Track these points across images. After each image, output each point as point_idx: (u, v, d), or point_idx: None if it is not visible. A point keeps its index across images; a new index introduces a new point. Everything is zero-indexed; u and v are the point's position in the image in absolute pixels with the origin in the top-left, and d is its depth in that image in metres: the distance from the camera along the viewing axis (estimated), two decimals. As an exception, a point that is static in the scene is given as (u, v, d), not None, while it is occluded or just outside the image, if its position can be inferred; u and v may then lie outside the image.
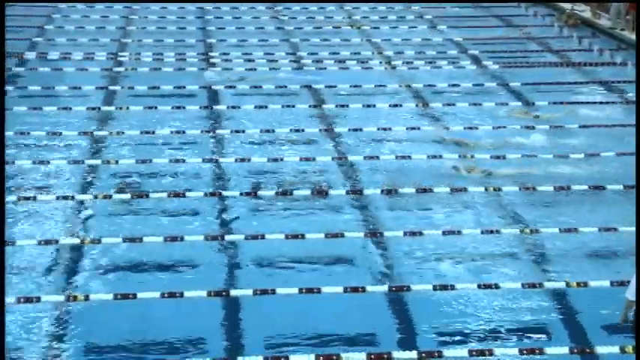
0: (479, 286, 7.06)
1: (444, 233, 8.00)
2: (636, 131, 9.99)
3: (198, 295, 6.83)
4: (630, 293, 5.96)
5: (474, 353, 6.20)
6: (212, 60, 13.71)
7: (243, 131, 10.58)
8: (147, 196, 8.62)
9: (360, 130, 10.68)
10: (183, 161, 9.57)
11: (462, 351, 6.24)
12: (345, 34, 15.60)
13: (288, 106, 11.58)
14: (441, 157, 9.88)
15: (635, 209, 8.11)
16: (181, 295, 6.78)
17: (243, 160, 9.64)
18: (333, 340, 6.41)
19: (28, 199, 8.48)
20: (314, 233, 7.92)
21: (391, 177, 9.33)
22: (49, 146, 10.00)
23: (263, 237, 7.83)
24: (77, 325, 6.51)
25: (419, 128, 10.83)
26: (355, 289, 6.96)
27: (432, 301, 6.92)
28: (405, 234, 7.97)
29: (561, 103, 11.77)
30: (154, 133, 10.43)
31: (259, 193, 8.78)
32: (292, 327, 6.56)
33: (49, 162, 9.43)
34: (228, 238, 7.88)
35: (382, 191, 8.91)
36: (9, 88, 11.87)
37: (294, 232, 7.93)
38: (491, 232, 8.06)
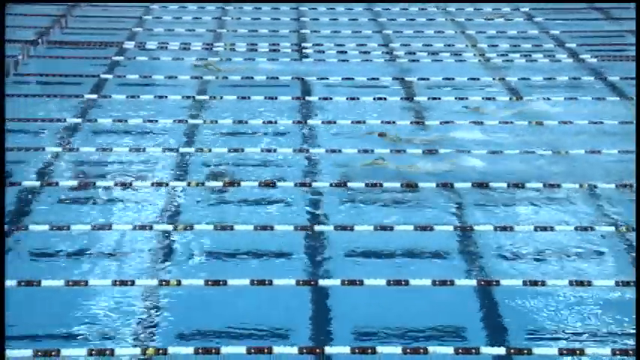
0: (570, 283, 6.94)
1: (535, 229, 7.89)
2: (636, 131, 9.78)
3: (287, 283, 6.90)
4: None
5: (565, 352, 6.09)
6: (305, 51, 13.79)
7: (335, 122, 10.61)
8: (238, 184, 8.74)
9: (452, 122, 10.60)
10: (275, 151, 9.66)
11: (552, 349, 6.15)
12: (438, 26, 15.48)
13: (380, 98, 11.57)
14: (533, 152, 9.73)
15: (636, 209, 7.94)
16: (270, 283, 6.86)
17: (334, 151, 9.67)
18: (420, 333, 6.40)
19: (124, 185, 8.69)
20: (403, 225, 7.92)
21: (483, 171, 9.23)
22: (145, 134, 10.22)
23: (352, 228, 7.86)
24: (169, 310, 6.65)
25: (512, 122, 10.68)
26: (443, 282, 6.93)
27: (520, 297, 6.84)
28: (495, 228, 7.89)
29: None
30: (246, 122, 10.55)
31: (349, 184, 8.80)
32: (380, 319, 6.56)
33: (144, 149, 9.64)
34: (317, 228, 7.93)
35: (473, 185, 8.83)
36: (108, 76, 12.17)
37: (383, 224, 7.94)
38: (586, 228, 7.91)
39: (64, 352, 5.95)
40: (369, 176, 8.96)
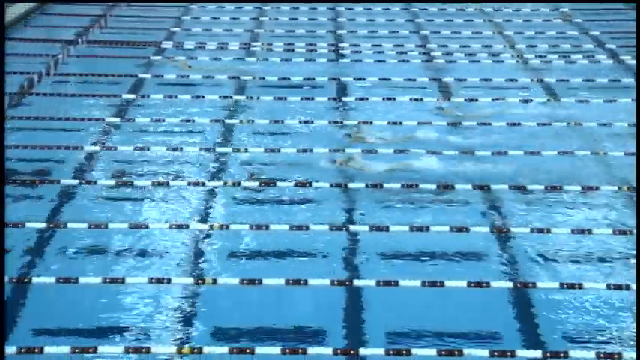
0: (608, 286, 6.88)
1: (572, 231, 7.83)
2: (636, 131, 9.69)
3: (322, 283, 6.91)
4: None
5: (602, 356, 6.04)
6: (342, 51, 13.79)
7: (371, 123, 10.61)
8: (274, 184, 8.77)
9: (489, 124, 10.54)
10: (311, 151, 9.68)
11: (589, 352, 6.09)
12: (476, 27, 15.40)
13: (416, 99, 11.54)
14: (572, 154, 9.65)
15: (636, 210, 7.86)
16: (305, 282, 6.88)
17: (370, 151, 9.67)
18: (455, 335, 6.37)
19: (161, 184, 8.75)
20: (439, 226, 7.89)
21: (520, 173, 9.17)
22: (182, 133, 10.29)
23: (387, 229, 7.85)
24: (204, 309, 6.69)
25: (550, 124, 10.61)
26: (479, 284, 6.90)
27: (557, 300, 6.79)
28: (532, 230, 7.84)
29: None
30: (282, 122, 10.58)
31: (385, 185, 8.79)
32: (414, 320, 6.55)
33: (181, 149, 9.71)
34: (352, 228, 7.94)
35: (510, 187, 8.77)
36: (146, 76, 12.27)
37: (419, 225, 7.92)
38: (624, 232, 7.83)
39: (101, 348, 6.01)
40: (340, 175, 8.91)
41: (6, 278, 6.83)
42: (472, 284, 6.90)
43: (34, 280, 6.89)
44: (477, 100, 11.50)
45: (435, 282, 6.90)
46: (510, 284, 7.01)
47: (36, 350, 5.93)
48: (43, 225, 7.80)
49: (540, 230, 7.85)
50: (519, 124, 10.55)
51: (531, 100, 11.53)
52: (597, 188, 8.70)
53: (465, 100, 11.54)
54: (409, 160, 9.45)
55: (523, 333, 6.45)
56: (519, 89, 12.02)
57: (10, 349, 5.97)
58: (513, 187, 8.77)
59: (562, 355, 6.04)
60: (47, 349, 5.95)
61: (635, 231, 7.77)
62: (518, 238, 7.80)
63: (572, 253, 7.54)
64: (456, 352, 6.03)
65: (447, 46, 14.10)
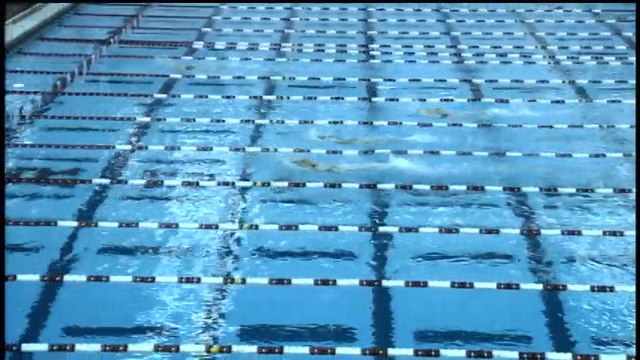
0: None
1: (603, 233, 7.76)
2: (637, 131, 9.61)
3: (351, 283, 6.91)
4: None
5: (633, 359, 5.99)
6: (372, 52, 13.77)
7: (401, 123, 10.58)
8: (303, 185, 8.77)
9: (520, 126, 10.48)
10: (340, 152, 9.67)
11: (620, 356, 6.04)
12: (507, 27, 15.32)
13: (446, 99, 11.50)
14: (604, 155, 9.57)
15: (635, 210, 7.83)
16: (334, 283, 6.88)
17: (399, 152, 9.62)
18: (485, 336, 6.35)
19: (191, 184, 8.80)
20: (468, 228, 7.87)
21: (551, 174, 9.12)
22: (212, 133, 10.33)
23: (417, 230, 7.83)
24: (233, 308, 6.72)
25: (582, 126, 10.53)
26: (509, 286, 6.86)
27: (588, 302, 6.74)
28: (563, 232, 7.79)
29: None
30: (312, 122, 10.58)
31: (415, 186, 8.76)
32: (443, 321, 6.53)
33: (211, 148, 9.74)
34: (382, 229, 7.93)
35: (541, 189, 8.72)
36: (177, 76, 12.33)
37: (448, 226, 7.89)
38: (655, 234, 7.76)
39: (131, 347, 6.06)
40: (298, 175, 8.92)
41: (37, 276, 6.91)
42: (502, 286, 6.86)
43: (66, 278, 6.95)
44: (507, 101, 11.44)
45: (464, 283, 6.87)
46: (540, 286, 6.96)
47: (67, 348, 5.99)
48: (75, 223, 7.87)
49: (571, 232, 7.79)
50: (551, 126, 10.48)
51: (563, 102, 11.46)
52: (629, 190, 8.62)
53: (496, 101, 11.49)
54: (438, 159, 9.43)
55: (553, 335, 6.41)
56: (551, 90, 11.95)
57: (42, 347, 6.03)
58: (544, 189, 8.72)
59: (592, 358, 5.99)
60: (78, 346, 6.00)
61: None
62: (549, 240, 7.75)
63: (604, 256, 7.48)
64: (485, 354, 6.01)
65: (477, 46, 14.04)
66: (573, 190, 8.67)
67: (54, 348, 6.00)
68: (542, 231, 7.87)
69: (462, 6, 16.55)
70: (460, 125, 10.52)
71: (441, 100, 11.44)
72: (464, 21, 15.77)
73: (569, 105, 11.35)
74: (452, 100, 11.47)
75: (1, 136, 9.22)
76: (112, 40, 13.98)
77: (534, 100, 11.43)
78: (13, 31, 13.87)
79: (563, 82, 12.31)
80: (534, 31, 15.14)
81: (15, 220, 7.81)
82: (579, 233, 7.77)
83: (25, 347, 6.02)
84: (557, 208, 8.45)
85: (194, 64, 13.00)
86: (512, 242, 7.73)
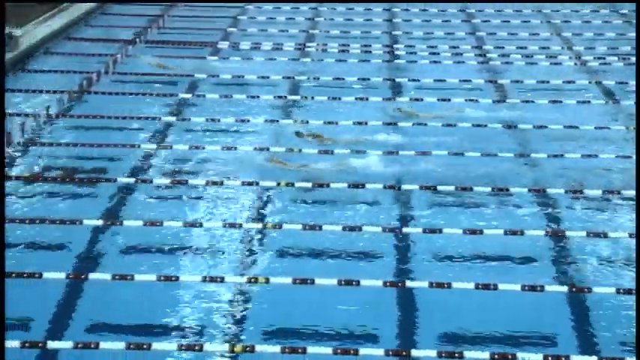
0: (666, 294, 6.76)
1: (630, 235, 7.70)
2: (636, 131, 9.54)
3: (374, 284, 6.89)
4: None
5: (659, 363, 5.94)
6: (396, 52, 13.74)
7: (425, 124, 10.54)
8: (327, 185, 8.77)
9: (546, 127, 10.42)
10: (364, 152, 9.65)
11: (645, 360, 6.00)
12: (533, 28, 15.23)
13: (471, 100, 11.45)
14: (630, 157, 9.50)
15: (635, 210, 7.79)
16: (358, 283, 6.87)
17: (424, 153, 9.60)
18: (509, 338, 6.32)
19: (215, 183, 8.81)
20: (492, 229, 7.83)
21: (576, 176, 9.05)
22: (236, 133, 10.34)
23: (441, 231, 7.81)
24: (257, 307, 6.72)
25: (608, 128, 10.45)
26: (533, 288, 6.82)
27: (614, 305, 6.68)
28: (588, 235, 7.73)
29: None
30: (337, 123, 10.57)
31: (439, 187, 8.73)
32: (467, 322, 6.51)
33: (236, 148, 9.76)
34: (405, 230, 7.91)
35: (566, 191, 8.67)
36: (202, 76, 12.36)
37: (472, 227, 7.86)
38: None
39: (155, 345, 6.08)
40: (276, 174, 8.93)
41: (63, 274, 6.96)
42: (526, 287, 6.82)
43: (90, 276, 6.99)
44: (533, 101, 11.37)
45: (489, 285, 6.84)
46: (565, 288, 6.92)
47: (92, 346, 6.02)
48: (100, 222, 7.92)
49: (597, 234, 7.74)
50: (577, 126, 10.41)
51: (589, 102, 11.38)
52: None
53: (522, 101, 11.42)
54: (463, 161, 9.40)
55: (578, 338, 6.37)
56: (577, 91, 11.87)
57: (67, 344, 6.07)
58: (569, 191, 8.66)
59: (618, 361, 5.96)
60: (102, 344, 6.04)
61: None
62: (574, 242, 7.70)
63: (629, 259, 7.42)
64: (510, 356, 5.97)
65: (503, 47, 13.97)
66: (599, 192, 8.61)
67: (79, 346, 6.03)
68: (567, 232, 7.82)
69: (488, 6, 16.48)
70: (485, 126, 10.47)
71: (465, 100, 11.40)
72: (489, 21, 15.70)
73: (596, 106, 11.27)
74: (476, 100, 11.42)
75: (1, 135, 9.27)
76: (137, 39, 14.04)
77: (560, 101, 11.36)
78: (41, 30, 13.98)
79: (590, 82, 12.22)
80: (560, 31, 15.05)
81: (41, 219, 7.87)
82: (605, 235, 7.71)
83: (51, 344, 6.06)
84: (582, 210, 8.39)
85: (220, 63, 13.03)
86: (537, 244, 7.69)
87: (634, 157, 9.49)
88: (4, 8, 12.17)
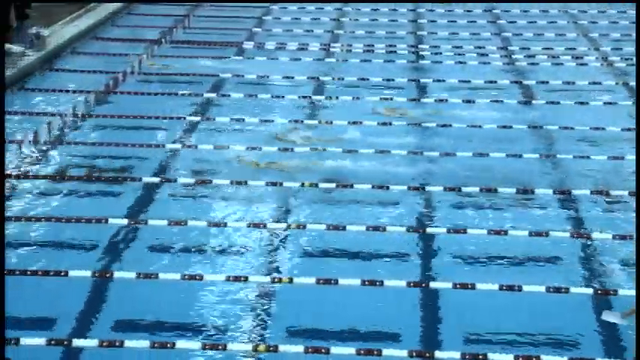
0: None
1: (656, 238, 7.65)
2: (636, 131, 9.50)
3: (398, 284, 6.89)
4: None
5: (684, 366, 5.89)
6: (421, 53, 13.72)
7: (450, 125, 10.52)
8: (351, 186, 8.77)
9: (572, 128, 10.36)
10: (389, 152, 9.64)
11: (671, 363, 5.95)
12: (559, 28, 15.15)
13: (497, 101, 11.41)
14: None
15: (635, 211, 7.74)
16: (381, 283, 6.87)
17: (448, 154, 9.59)
18: (533, 340, 6.28)
19: (240, 183, 8.84)
20: (517, 230, 7.80)
21: (603, 178, 9.00)
22: (260, 132, 10.36)
23: (465, 231, 7.79)
24: (280, 307, 6.73)
25: (632, 129, 10.37)
26: (558, 290, 6.79)
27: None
28: (614, 237, 7.68)
29: None
30: (361, 123, 10.56)
31: (463, 188, 8.71)
32: (491, 324, 6.48)
33: (260, 148, 9.77)
34: (429, 230, 7.89)
35: (592, 192, 8.61)
36: (227, 75, 12.40)
37: (496, 228, 7.83)
38: None
39: (179, 344, 6.11)
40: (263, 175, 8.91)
41: (89, 273, 7.01)
42: (551, 289, 6.79)
43: (115, 275, 7.04)
44: (559, 103, 11.32)
45: (513, 286, 6.81)
46: (590, 291, 6.88)
47: (116, 344, 6.06)
48: (125, 221, 7.96)
49: (623, 237, 7.68)
50: (603, 128, 10.34)
51: (616, 104, 11.30)
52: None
53: (547, 102, 11.37)
54: (488, 162, 9.37)
55: (603, 341, 6.33)
56: (603, 92, 11.79)
57: (92, 342, 6.11)
58: (595, 192, 8.61)
59: (643, 364, 5.92)
60: (127, 343, 6.07)
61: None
62: (600, 244, 7.65)
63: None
64: (534, 359, 5.95)
65: (529, 48, 13.91)
66: (625, 193, 8.55)
67: (104, 344, 6.07)
68: (593, 235, 7.77)
69: (514, 6, 16.41)
70: (510, 127, 10.43)
71: (490, 101, 11.36)
72: (515, 22, 15.63)
73: (622, 107, 11.19)
74: (502, 101, 11.38)
75: (1, 136, 9.33)
76: (163, 39, 14.11)
77: (586, 103, 11.30)
78: (68, 30, 14.09)
79: (616, 84, 12.13)
80: (587, 32, 14.95)
81: (67, 218, 7.93)
82: (631, 237, 7.66)
83: (76, 342, 6.10)
84: (608, 212, 8.34)
85: (245, 63, 13.06)
86: (563, 245, 7.65)
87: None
88: (4, 8, 12.34)
